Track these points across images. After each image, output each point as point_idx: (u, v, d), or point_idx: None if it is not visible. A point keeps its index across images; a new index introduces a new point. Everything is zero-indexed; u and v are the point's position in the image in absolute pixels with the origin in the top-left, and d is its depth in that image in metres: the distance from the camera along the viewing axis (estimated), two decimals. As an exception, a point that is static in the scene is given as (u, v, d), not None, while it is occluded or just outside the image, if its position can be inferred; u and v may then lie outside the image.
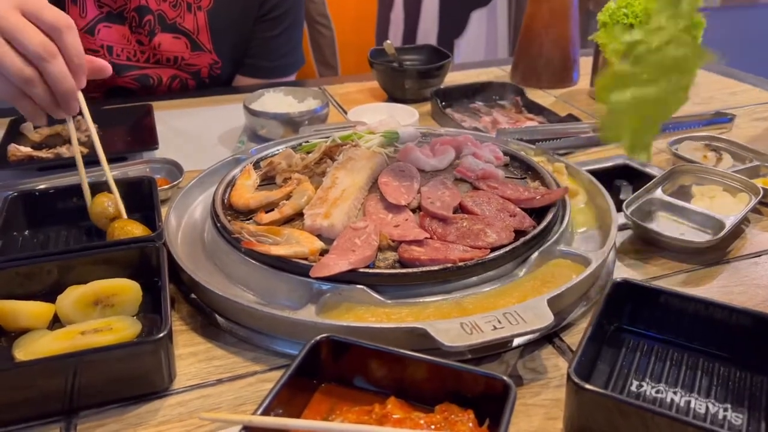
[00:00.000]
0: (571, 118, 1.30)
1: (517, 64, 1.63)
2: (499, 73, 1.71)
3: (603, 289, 0.81)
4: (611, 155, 1.22)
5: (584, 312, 0.80)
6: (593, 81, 1.53)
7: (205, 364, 0.73)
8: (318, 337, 0.63)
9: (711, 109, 1.45)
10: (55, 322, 0.75)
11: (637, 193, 1.00)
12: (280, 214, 0.87)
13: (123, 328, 0.72)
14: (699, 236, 0.95)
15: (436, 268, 0.75)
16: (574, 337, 0.77)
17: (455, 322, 0.68)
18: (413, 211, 0.86)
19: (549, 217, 0.85)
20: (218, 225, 0.86)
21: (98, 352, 0.65)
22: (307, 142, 1.10)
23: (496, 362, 0.73)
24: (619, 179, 1.20)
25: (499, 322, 0.68)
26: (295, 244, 0.79)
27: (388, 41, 1.46)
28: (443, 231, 0.81)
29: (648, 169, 1.19)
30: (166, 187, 1.03)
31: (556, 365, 0.73)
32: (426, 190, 0.89)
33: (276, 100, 1.34)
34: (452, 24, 3.43)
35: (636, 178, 1.20)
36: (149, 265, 0.81)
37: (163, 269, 0.77)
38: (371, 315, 0.73)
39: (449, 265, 0.76)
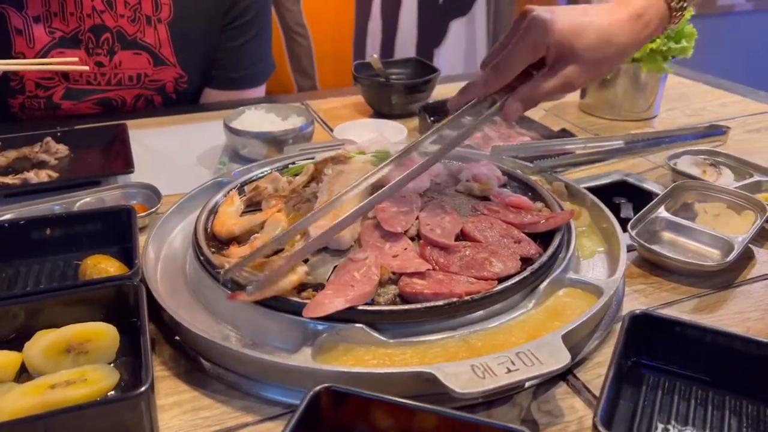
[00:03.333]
0: (565, 133, 1.26)
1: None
2: (486, 86, 1.67)
3: (614, 320, 0.77)
4: (607, 171, 1.18)
5: (597, 345, 0.75)
6: (583, 93, 1.50)
7: (191, 416, 0.66)
8: (317, 388, 0.57)
9: (703, 120, 1.42)
10: (23, 372, 0.68)
11: (641, 212, 0.96)
12: (251, 248, 0.80)
13: (98, 379, 0.65)
14: (707, 258, 0.91)
15: (441, 303, 0.70)
16: (588, 374, 0.72)
17: (465, 364, 0.63)
18: (411, 239, 0.81)
19: (556, 242, 0.80)
20: (201, 258, 0.80)
21: (71, 412, 0.58)
22: (293, 163, 1.04)
23: (509, 405, 0.67)
24: (617, 196, 1.16)
25: (513, 363, 0.63)
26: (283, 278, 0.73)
27: (374, 55, 1.41)
28: (445, 261, 0.76)
29: (646, 185, 1.15)
30: (143, 214, 0.97)
31: (572, 407, 0.67)
32: (425, 216, 0.83)
33: (258, 118, 1.27)
34: (431, 34, 3.38)
35: (634, 194, 1.16)
36: (126, 305, 0.74)
37: (142, 311, 0.71)
38: (372, 356, 0.68)
39: (455, 299, 0.70)
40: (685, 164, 1.16)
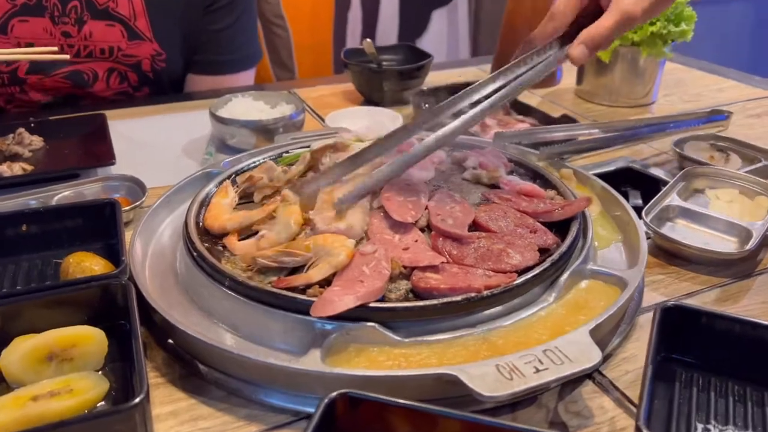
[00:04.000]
0: (566, 119, 1.22)
1: (498, 63, 1.54)
2: (478, 73, 1.62)
3: (636, 313, 0.73)
4: (610, 158, 1.14)
5: (621, 341, 0.70)
6: (579, 79, 1.46)
7: (189, 427, 0.61)
8: (333, 395, 0.52)
9: (701, 106, 1.39)
10: (0, 383, 0.62)
11: (654, 200, 0.92)
12: (257, 247, 0.74)
13: (86, 389, 0.59)
14: (725, 245, 0.87)
15: (458, 298, 0.65)
16: (615, 371, 0.67)
17: (489, 364, 0.58)
18: (421, 230, 0.76)
19: (573, 231, 0.76)
20: (195, 254, 0.74)
21: (57, 428, 0.52)
22: (287, 152, 0.98)
23: (534, 406, 0.63)
24: (622, 183, 1.12)
25: (541, 362, 0.58)
26: (329, 256, 0.67)
27: (368, 40, 1.35)
28: (459, 253, 0.71)
29: (652, 172, 1.12)
30: (127, 208, 0.90)
31: (602, 407, 0.63)
32: (434, 206, 0.78)
33: (245, 106, 1.21)
34: (413, 23, 3.33)
35: (639, 181, 1.12)
36: (114, 306, 0.68)
37: (132, 312, 0.65)
38: (386, 358, 0.62)
39: (472, 294, 0.65)
40: (691, 150, 1.12)
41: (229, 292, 0.69)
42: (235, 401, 0.63)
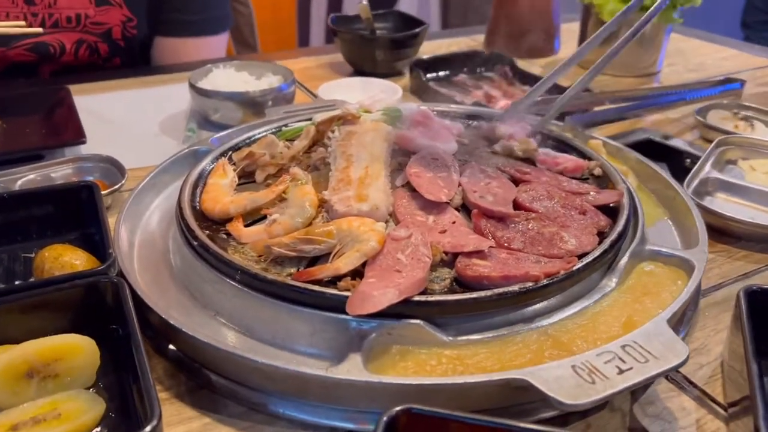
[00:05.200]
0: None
1: (492, 33, 1.45)
2: (470, 43, 1.52)
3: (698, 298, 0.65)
4: (628, 130, 1.07)
5: (688, 330, 0.63)
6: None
7: (206, 452, 0.50)
8: (394, 411, 0.43)
9: (707, 75, 1.33)
10: (-31, 407, 0.50)
11: (692, 172, 0.84)
12: (268, 233, 0.64)
13: (77, 412, 0.49)
14: (769, 220, 0.80)
15: (515, 288, 0.56)
16: (687, 365, 0.58)
17: (564, 366, 0.49)
18: (456, 209, 0.66)
19: (626, 209, 0.67)
20: (195, 243, 0.63)
21: (49, 469, 0.41)
22: (286, 125, 0.87)
23: (607, 410, 0.54)
24: (644, 156, 1.04)
25: (622, 360, 0.50)
26: (357, 243, 0.57)
27: (364, 2, 1.23)
28: (505, 235, 0.62)
29: (673, 143, 1.04)
30: (106, 192, 0.78)
31: (682, 407, 0.55)
32: (467, 182, 0.69)
33: (227, 77, 1.09)
34: (381, -1, 3.21)
35: (661, 153, 1.05)
36: (103, 309, 0.57)
37: (128, 314, 0.54)
38: (437, 361, 0.53)
39: (530, 284, 0.56)
40: (715, 118, 1.05)
41: (240, 287, 0.58)
42: (259, 418, 0.53)
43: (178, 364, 0.57)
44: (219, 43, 1.41)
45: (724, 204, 0.84)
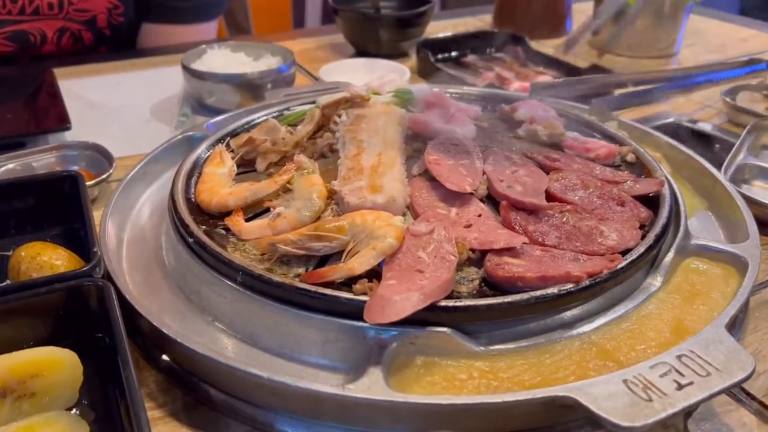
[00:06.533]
0: (598, 69, 1.07)
1: (501, 12, 1.38)
2: (477, 24, 1.45)
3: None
4: (651, 114, 1.00)
5: (741, 334, 0.56)
6: (595, 30, 1.30)
7: (206, 481, 0.44)
8: (426, 442, 0.36)
9: (727, 56, 1.26)
10: (-68, 432, 0.44)
11: (728, 158, 0.78)
12: (272, 228, 0.57)
13: (57, 439, 0.42)
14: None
15: (554, 291, 0.49)
16: (742, 373, 0.53)
17: (614, 380, 0.43)
18: (481, 200, 0.60)
19: (667, 200, 0.61)
20: (191, 240, 0.56)
21: None
22: (287, 109, 0.80)
23: (659, 426, 0.48)
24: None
25: (680, 374, 0.44)
26: (372, 239, 0.51)
27: (369, -23, 1.16)
28: (538, 230, 0.55)
29: (700, 126, 0.98)
30: (91, 182, 0.71)
31: (743, 423, 0.49)
32: (492, 170, 0.62)
33: (223, 59, 1.02)
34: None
35: (687, 137, 0.99)
36: (86, 316, 0.50)
37: (114, 323, 0.47)
38: (467, 375, 0.47)
39: (570, 285, 0.50)
40: (744, 100, 0.99)
41: (242, 290, 0.52)
42: (264, 440, 0.47)
43: (173, 377, 0.51)
44: (209, 28, 1.33)
45: (762, 192, 0.77)
